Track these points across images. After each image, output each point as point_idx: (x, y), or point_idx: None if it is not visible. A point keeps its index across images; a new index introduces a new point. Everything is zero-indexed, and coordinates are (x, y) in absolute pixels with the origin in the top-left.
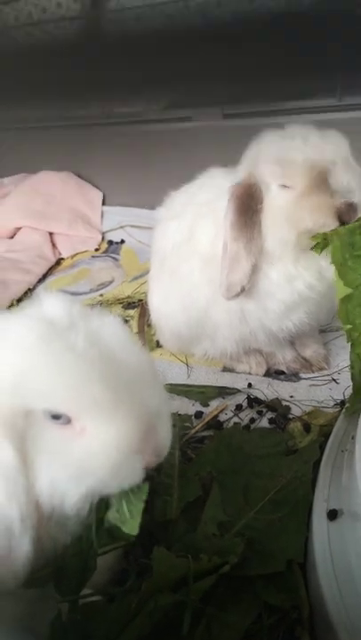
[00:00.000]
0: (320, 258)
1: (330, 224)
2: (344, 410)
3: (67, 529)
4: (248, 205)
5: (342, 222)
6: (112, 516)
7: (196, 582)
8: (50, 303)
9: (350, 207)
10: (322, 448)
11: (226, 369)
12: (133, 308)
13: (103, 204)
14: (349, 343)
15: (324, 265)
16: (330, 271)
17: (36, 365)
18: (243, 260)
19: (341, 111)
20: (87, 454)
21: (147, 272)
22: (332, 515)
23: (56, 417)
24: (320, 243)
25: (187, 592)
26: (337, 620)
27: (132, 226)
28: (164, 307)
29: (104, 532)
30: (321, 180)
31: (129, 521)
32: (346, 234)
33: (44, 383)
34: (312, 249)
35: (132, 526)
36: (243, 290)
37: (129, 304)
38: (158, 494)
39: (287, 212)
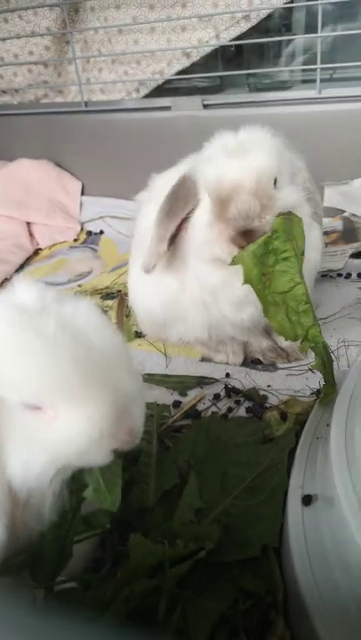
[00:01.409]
0: None
1: (233, 252)
2: (319, 399)
3: (41, 515)
4: (182, 198)
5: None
6: (89, 495)
7: (172, 568)
8: (22, 289)
9: (243, 235)
10: (297, 436)
11: (204, 359)
12: (112, 298)
13: (82, 194)
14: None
15: None
16: None
17: (4, 354)
18: (160, 243)
19: (320, 103)
20: (59, 439)
21: (126, 263)
22: (307, 500)
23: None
24: (236, 260)
25: (163, 578)
26: (311, 604)
27: (112, 216)
28: (140, 288)
29: (80, 519)
30: (224, 206)
31: (108, 497)
32: (257, 249)
33: (12, 372)
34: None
35: (111, 502)
36: (154, 267)
37: (107, 295)
38: (136, 482)
39: (201, 236)
